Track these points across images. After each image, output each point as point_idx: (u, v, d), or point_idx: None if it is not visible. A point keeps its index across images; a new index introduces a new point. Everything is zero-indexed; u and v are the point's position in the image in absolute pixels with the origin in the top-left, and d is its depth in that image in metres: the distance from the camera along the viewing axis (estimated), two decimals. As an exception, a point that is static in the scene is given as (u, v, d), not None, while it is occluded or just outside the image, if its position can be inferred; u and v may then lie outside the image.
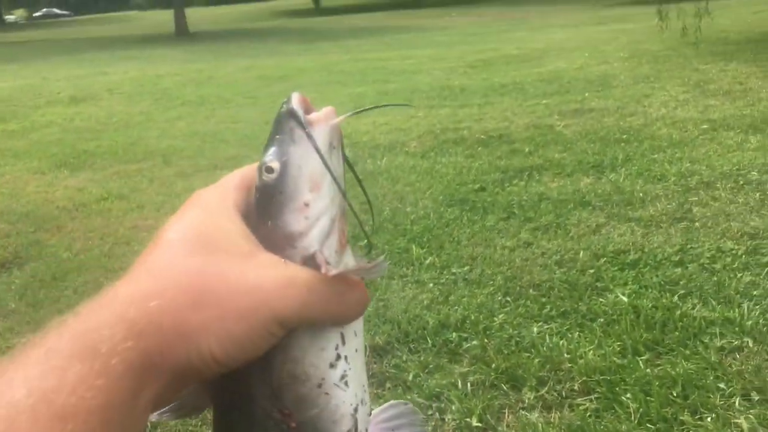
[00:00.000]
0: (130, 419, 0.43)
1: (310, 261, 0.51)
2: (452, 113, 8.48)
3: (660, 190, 4.55)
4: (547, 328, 3.01)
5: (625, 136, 6.13)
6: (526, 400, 2.56)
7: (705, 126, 6.08)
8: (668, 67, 9.81)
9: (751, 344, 2.68)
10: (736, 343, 2.71)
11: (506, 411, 2.52)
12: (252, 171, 0.56)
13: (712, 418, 2.31)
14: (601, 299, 3.19)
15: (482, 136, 6.92)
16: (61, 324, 0.45)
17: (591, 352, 2.76)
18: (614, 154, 5.55)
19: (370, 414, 0.59)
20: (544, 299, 3.27)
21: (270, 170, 0.53)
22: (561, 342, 2.87)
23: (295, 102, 0.55)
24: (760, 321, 2.82)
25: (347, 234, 0.55)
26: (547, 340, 2.90)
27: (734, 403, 2.39)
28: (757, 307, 2.93)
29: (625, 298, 3.13)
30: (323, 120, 0.54)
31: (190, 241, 0.50)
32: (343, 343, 0.53)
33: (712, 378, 2.51)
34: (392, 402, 0.63)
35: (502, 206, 4.61)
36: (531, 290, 3.37)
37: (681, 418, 2.33)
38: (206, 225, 0.51)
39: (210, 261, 0.48)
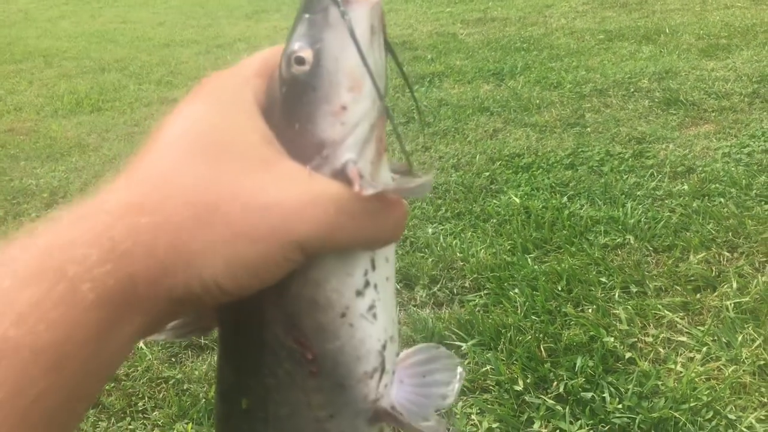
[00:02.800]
0: (99, 358, 0.34)
1: (341, 175, 0.42)
2: (355, 19, 8.25)
3: (556, 96, 4.62)
4: (442, 229, 3.03)
5: (525, 45, 6.15)
6: (418, 298, 2.59)
7: (601, 36, 6.18)
8: (570, -21, 9.84)
9: (632, 241, 2.80)
10: (618, 240, 2.82)
11: (398, 308, 2.54)
12: (276, 56, 0.46)
13: (593, 310, 2.41)
14: (494, 201, 3.23)
15: (385, 43, 6.78)
16: (30, 234, 0.35)
17: (483, 251, 2.81)
18: (514, 63, 5.56)
19: (398, 355, 0.51)
20: (440, 201, 3.28)
21: (301, 61, 0.43)
22: (454, 242, 2.91)
23: None
24: (642, 219, 2.93)
25: (385, 143, 0.46)
26: (441, 241, 2.92)
27: (614, 295, 2.50)
28: (640, 206, 3.05)
29: (517, 200, 3.18)
30: None
31: (197, 142, 0.40)
32: (374, 268, 0.45)
33: (594, 273, 2.61)
34: (425, 345, 0.55)
35: (402, 111, 4.57)
36: (427, 193, 3.37)
37: (564, 310, 2.42)
38: (217, 121, 0.41)
39: (221, 170, 0.39)
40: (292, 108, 0.44)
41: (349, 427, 0.47)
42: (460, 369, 0.53)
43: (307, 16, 0.44)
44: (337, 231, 0.40)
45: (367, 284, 0.45)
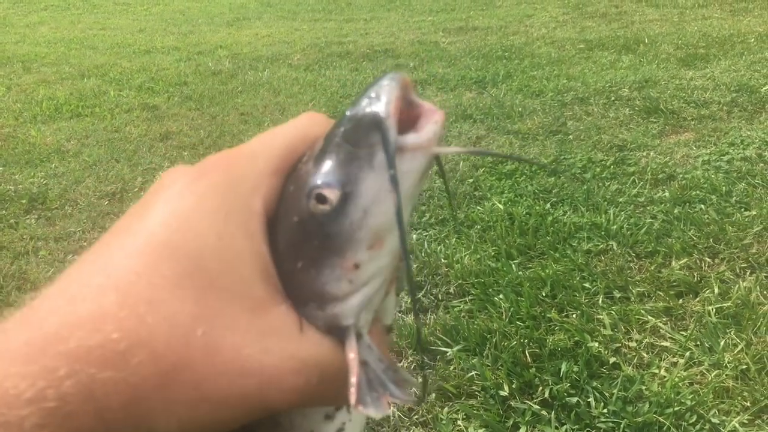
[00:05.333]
0: None
1: (335, 331, 0.37)
2: (338, 27, 8.26)
3: (538, 104, 4.65)
4: (426, 236, 3.03)
5: (507, 54, 6.19)
6: (403, 305, 2.58)
7: (582, 46, 6.24)
8: (550, -11, 9.95)
9: (615, 247, 2.81)
10: (601, 246, 2.83)
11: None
12: (302, 145, 0.38)
13: (577, 315, 2.42)
14: (478, 207, 3.24)
15: (367, 51, 6.80)
16: None
17: (467, 257, 2.81)
18: (496, 71, 5.60)
19: None
20: (424, 207, 3.28)
21: (323, 200, 0.35)
22: (439, 248, 2.91)
23: (390, 102, 0.35)
24: (624, 225, 2.95)
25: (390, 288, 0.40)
26: (426, 247, 2.92)
27: (598, 300, 2.51)
28: (622, 213, 3.07)
29: (501, 206, 3.19)
30: (422, 145, 0.36)
31: (186, 261, 0.33)
32: None
33: (578, 278, 2.62)
34: None
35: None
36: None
37: (548, 315, 2.42)
38: (213, 240, 0.34)
39: (203, 313, 0.33)
40: (299, 243, 0.37)
41: None
42: None
43: (347, 145, 0.36)
44: (312, 398, 0.36)
45: (338, 408, 0.41)
